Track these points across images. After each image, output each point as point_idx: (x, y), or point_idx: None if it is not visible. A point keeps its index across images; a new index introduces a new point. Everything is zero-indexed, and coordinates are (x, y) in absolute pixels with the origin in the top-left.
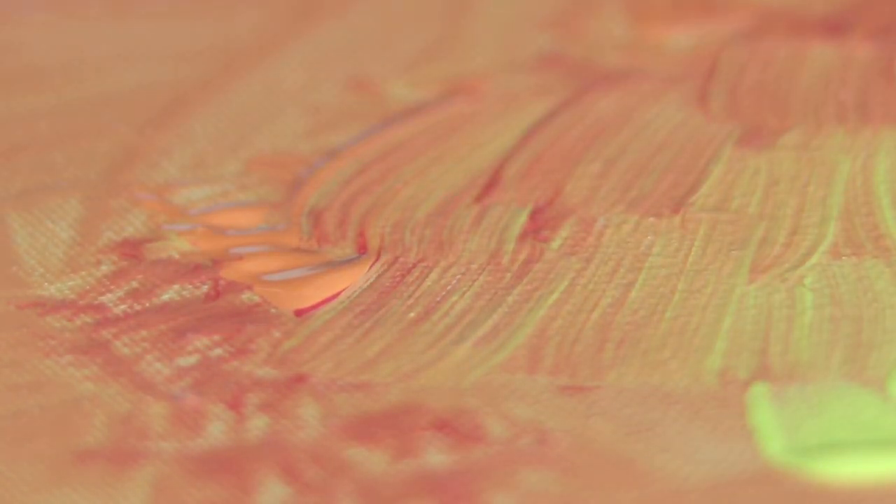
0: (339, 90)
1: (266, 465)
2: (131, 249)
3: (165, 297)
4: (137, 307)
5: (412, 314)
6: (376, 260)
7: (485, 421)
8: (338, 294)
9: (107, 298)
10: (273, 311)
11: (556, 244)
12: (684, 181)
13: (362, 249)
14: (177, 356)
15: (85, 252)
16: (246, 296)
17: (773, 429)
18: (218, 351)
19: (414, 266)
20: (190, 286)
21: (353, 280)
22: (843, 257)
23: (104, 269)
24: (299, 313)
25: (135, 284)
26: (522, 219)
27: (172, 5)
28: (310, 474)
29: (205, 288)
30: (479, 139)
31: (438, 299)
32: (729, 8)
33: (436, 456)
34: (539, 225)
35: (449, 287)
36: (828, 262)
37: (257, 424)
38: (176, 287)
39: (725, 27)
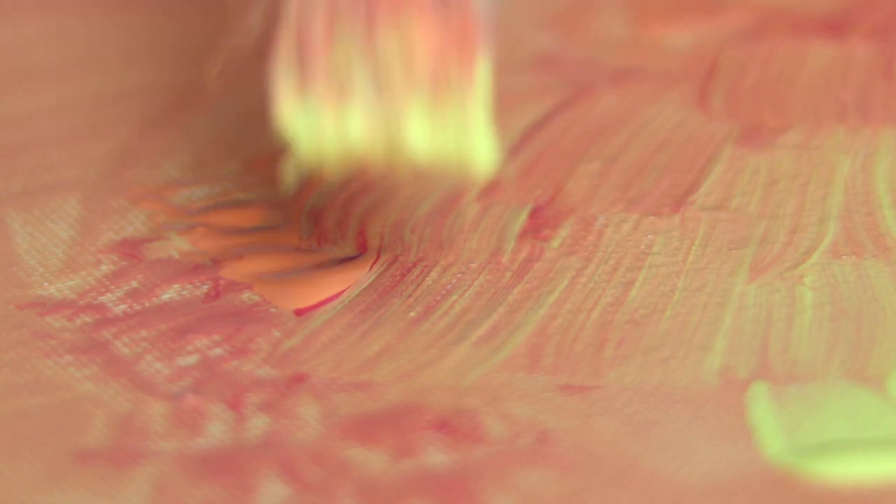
0: None
1: (266, 465)
2: (131, 249)
3: (165, 296)
4: (137, 307)
5: (412, 313)
6: (376, 259)
7: (484, 421)
8: (338, 294)
9: (107, 298)
10: (273, 310)
11: (555, 243)
12: (684, 180)
13: (362, 249)
14: (177, 356)
15: (85, 252)
16: (246, 295)
17: (772, 428)
18: (218, 351)
19: (414, 265)
20: (190, 286)
21: (353, 280)
22: (843, 256)
23: (104, 269)
24: (299, 313)
25: (135, 284)
26: (522, 218)
27: (173, 5)
28: (310, 474)
29: (205, 288)
30: None
31: (438, 298)
32: (729, 8)
33: (436, 456)
34: (539, 224)
35: (449, 286)
36: (828, 261)
37: (257, 424)
38: (176, 287)
39: (725, 27)
